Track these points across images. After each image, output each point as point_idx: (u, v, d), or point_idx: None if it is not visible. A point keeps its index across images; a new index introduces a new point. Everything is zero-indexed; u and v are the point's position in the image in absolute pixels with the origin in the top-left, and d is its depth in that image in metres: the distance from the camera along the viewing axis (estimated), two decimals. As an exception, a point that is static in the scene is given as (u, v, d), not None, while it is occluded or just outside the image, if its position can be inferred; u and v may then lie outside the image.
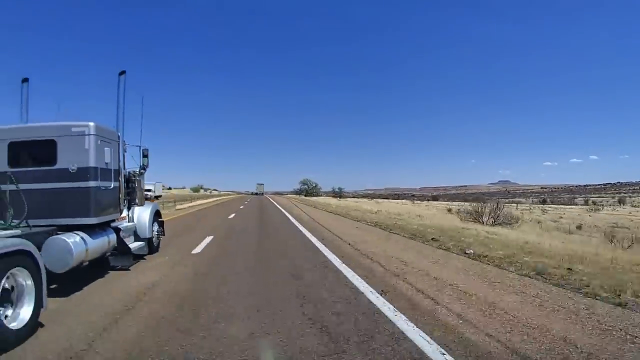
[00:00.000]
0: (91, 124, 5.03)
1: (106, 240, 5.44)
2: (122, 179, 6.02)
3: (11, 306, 3.26)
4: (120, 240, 5.87)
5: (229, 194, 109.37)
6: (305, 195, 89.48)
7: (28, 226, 4.61)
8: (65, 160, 4.95)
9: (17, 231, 4.26)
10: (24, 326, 3.28)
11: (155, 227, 7.54)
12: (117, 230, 5.86)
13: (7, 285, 3.19)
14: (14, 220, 4.54)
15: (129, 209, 6.70)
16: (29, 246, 3.45)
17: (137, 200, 6.86)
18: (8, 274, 3.18)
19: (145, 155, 6.94)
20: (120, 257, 5.96)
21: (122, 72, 6.23)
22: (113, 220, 5.87)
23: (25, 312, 3.34)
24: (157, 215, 7.70)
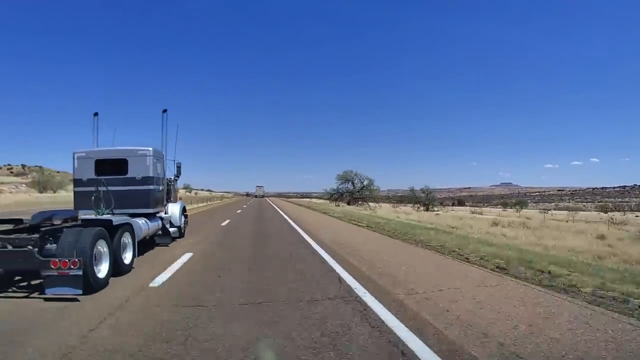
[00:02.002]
0: (150, 148, 8.11)
1: (156, 225, 8.53)
2: (165, 184, 9.10)
3: (125, 254, 6.28)
4: (163, 226, 8.96)
5: (224, 196, 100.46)
6: (350, 203, 52.70)
7: (112, 214, 7.65)
8: (133, 171, 8.01)
9: (109, 216, 7.31)
10: (128, 264, 6.32)
11: (183, 219, 10.63)
12: (161, 219, 8.93)
13: (118, 245, 6.21)
14: (105, 210, 7.60)
15: (165, 204, 9.77)
16: (130, 220, 6.51)
17: (171, 199, 9.96)
18: (124, 235, 6.22)
19: (178, 167, 10.06)
20: (162, 237, 9.04)
21: (165, 110, 9.35)
22: (158, 212, 8.93)
23: (127, 256, 6.38)
24: (184, 210, 10.80)
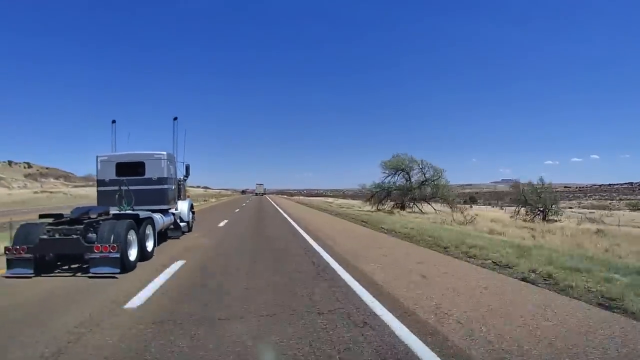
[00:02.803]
0: (164, 153, 9.45)
1: (170, 219, 9.89)
2: (176, 183, 10.45)
3: (147, 243, 7.63)
4: (175, 220, 10.31)
5: (221, 194, 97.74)
6: (403, 207, 34.34)
7: (133, 210, 9.00)
8: (150, 173, 9.36)
9: (130, 211, 8.66)
10: (150, 251, 7.68)
11: (191, 215, 12.00)
12: (173, 214, 10.29)
13: (143, 234, 7.56)
14: (126, 206, 8.95)
15: (176, 202, 11.13)
16: (151, 215, 7.87)
17: (181, 197, 11.31)
18: (147, 227, 7.57)
19: (187, 168, 11.40)
20: (174, 231, 10.39)
21: (175, 118, 10.71)
22: (171, 208, 10.28)
23: (150, 245, 7.74)
24: (191, 207, 12.16)
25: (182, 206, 11.39)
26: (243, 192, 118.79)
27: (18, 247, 6.22)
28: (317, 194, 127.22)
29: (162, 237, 9.98)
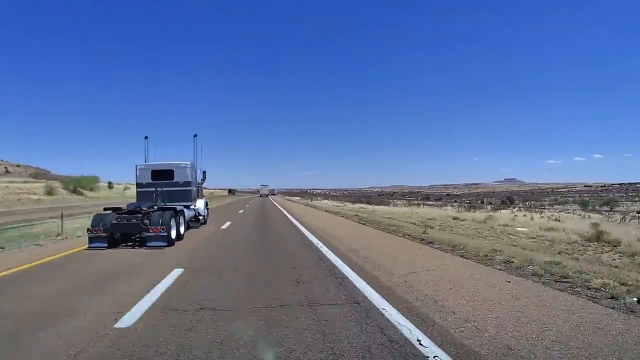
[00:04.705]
0: (189, 162, 13.04)
1: (192, 213, 13.47)
2: (196, 186, 14.01)
3: (180, 227, 11.14)
4: (195, 214, 13.88)
5: (213, 194, 67.24)
6: None
7: (165, 205, 12.53)
8: (178, 177, 12.92)
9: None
10: (182, 234, 11.21)
11: (206, 210, 15.59)
12: (194, 209, 13.86)
13: (178, 221, 11.08)
14: (161, 202, 12.49)
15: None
16: (182, 208, 11.46)
17: (199, 196, 14.89)
18: (181, 217, 11.11)
19: (204, 173, 15.00)
20: (194, 222, 13.94)
21: (195, 135, 14.30)
22: (192, 205, 13.84)
23: (182, 229, 11.27)
24: (206, 204, 15.76)
25: (200, 204, 14.95)
26: (231, 191, 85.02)
27: (97, 228, 9.78)
28: (377, 199, 73.63)
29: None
